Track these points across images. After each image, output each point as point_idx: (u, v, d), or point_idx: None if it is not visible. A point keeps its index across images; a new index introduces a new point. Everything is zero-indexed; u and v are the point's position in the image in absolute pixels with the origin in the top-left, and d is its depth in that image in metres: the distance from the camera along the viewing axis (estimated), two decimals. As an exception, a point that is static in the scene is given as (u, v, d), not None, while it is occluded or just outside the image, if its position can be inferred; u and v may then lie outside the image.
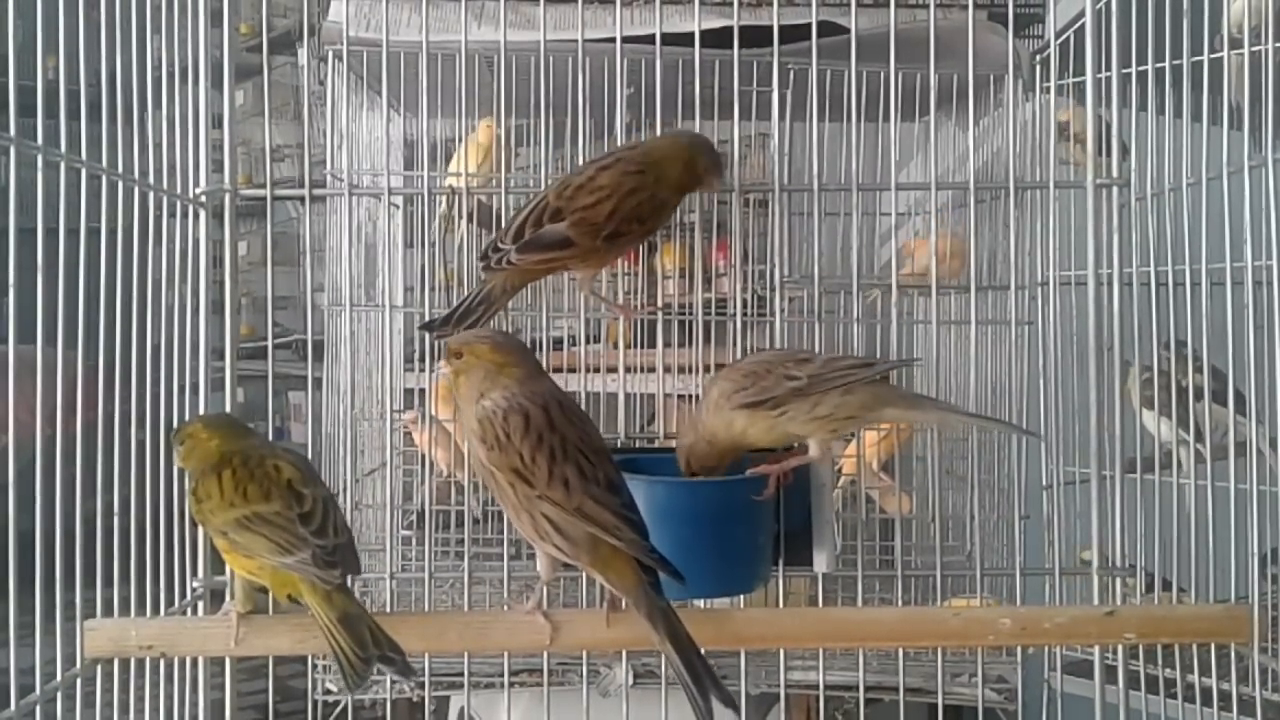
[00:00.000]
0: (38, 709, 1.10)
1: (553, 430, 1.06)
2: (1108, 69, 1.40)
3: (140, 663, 1.23)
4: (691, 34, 1.41)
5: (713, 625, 1.19)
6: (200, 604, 1.35)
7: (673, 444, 1.30)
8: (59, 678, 1.13)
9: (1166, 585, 1.56)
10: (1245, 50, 1.49)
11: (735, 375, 1.23)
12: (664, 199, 1.28)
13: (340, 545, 1.07)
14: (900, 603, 1.51)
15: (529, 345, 2.05)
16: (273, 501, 1.08)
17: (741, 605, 1.35)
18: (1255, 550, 1.32)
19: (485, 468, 1.08)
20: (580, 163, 1.43)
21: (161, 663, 1.28)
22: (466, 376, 1.10)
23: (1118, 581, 1.40)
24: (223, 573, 1.31)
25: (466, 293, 1.32)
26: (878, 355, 1.66)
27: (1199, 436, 1.66)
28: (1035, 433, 1.55)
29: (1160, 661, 1.56)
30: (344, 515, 1.13)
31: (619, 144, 1.62)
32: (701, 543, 1.18)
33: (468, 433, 1.11)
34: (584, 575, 1.36)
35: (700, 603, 1.31)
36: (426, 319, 1.35)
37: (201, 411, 1.37)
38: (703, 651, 1.03)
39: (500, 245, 1.26)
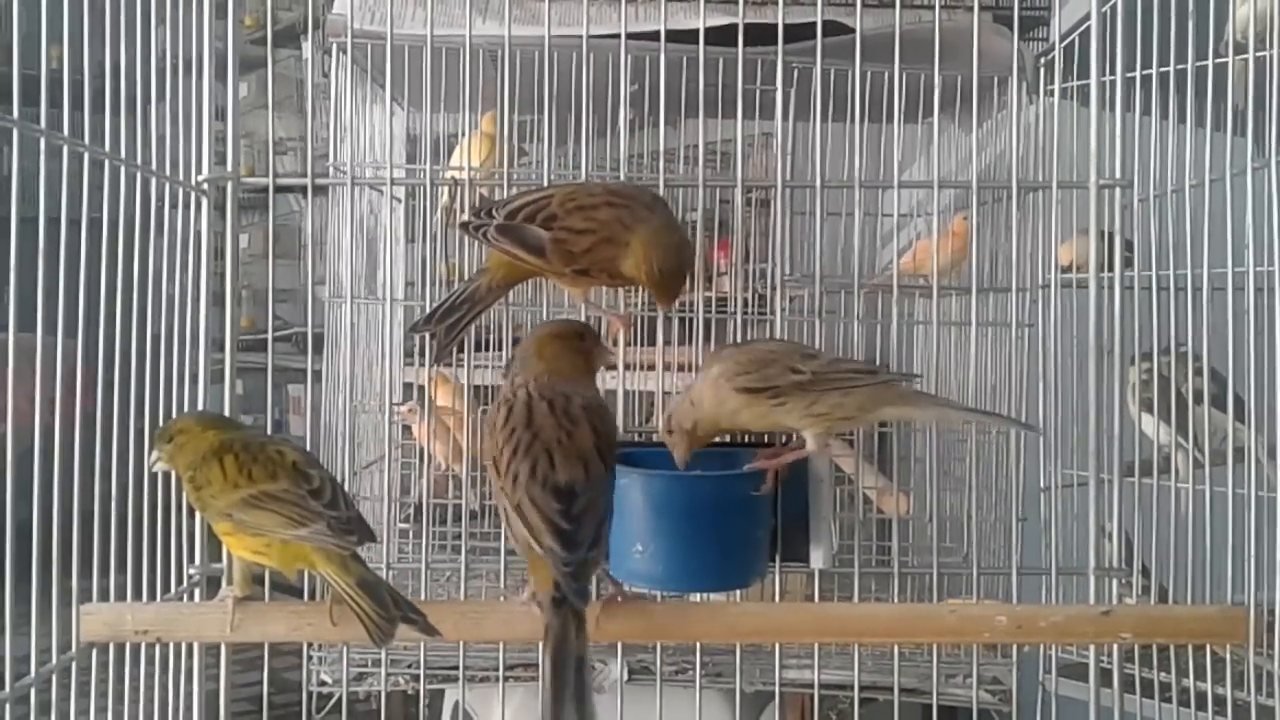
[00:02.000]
0: (32, 692, 1.10)
1: (528, 426, 1.07)
2: (1112, 72, 1.40)
3: (135, 653, 1.23)
4: (696, 31, 1.41)
5: (708, 618, 1.19)
6: (197, 590, 1.35)
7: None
8: (54, 661, 1.13)
9: (1163, 597, 1.56)
10: (1250, 55, 1.49)
11: (741, 358, 1.23)
12: (621, 271, 1.24)
13: (352, 517, 1.09)
14: (896, 601, 1.51)
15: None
16: (280, 480, 1.09)
17: (738, 599, 1.35)
18: (1252, 555, 1.32)
19: (485, 455, 1.12)
20: (583, 160, 1.43)
21: (157, 653, 1.28)
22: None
23: (1114, 583, 1.40)
24: (219, 560, 1.32)
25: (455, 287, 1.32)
26: (878, 356, 1.66)
27: (1197, 442, 1.66)
28: (1034, 427, 1.55)
29: (1155, 665, 1.56)
30: (350, 496, 1.15)
31: (622, 149, 1.62)
32: (699, 537, 1.18)
33: None
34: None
35: (696, 596, 1.31)
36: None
37: (200, 403, 1.37)
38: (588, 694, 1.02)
39: (492, 214, 1.24)
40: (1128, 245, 1.40)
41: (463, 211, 1.80)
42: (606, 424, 1.12)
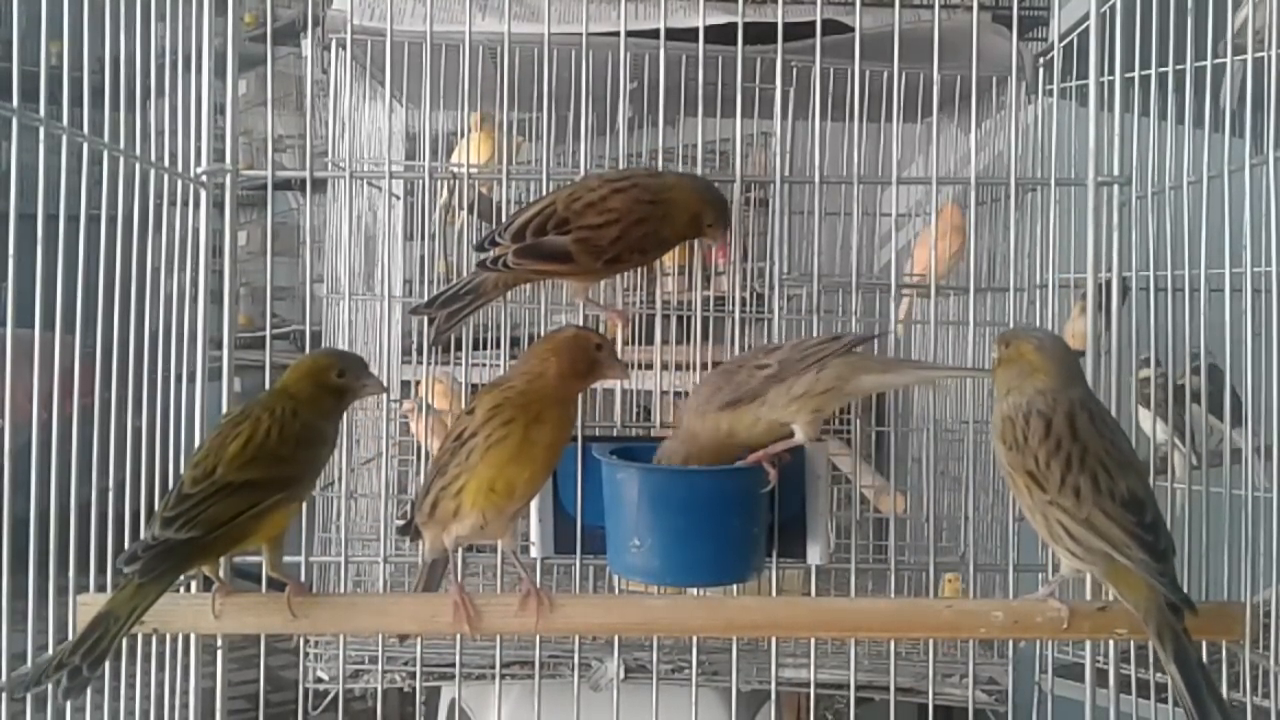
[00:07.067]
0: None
1: (1074, 439, 1.07)
2: (1111, 72, 1.40)
3: (131, 650, 1.23)
4: (695, 29, 1.41)
5: (705, 611, 1.19)
6: (193, 583, 1.35)
7: (669, 433, 1.30)
8: (50, 653, 1.13)
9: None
10: (1249, 56, 1.49)
11: (711, 380, 1.24)
12: (666, 237, 1.26)
13: (168, 543, 1.03)
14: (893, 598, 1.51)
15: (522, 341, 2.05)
16: (191, 472, 1.07)
17: (736, 594, 1.35)
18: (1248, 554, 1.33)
19: (1004, 468, 1.11)
20: (581, 158, 1.43)
21: (153, 649, 1.28)
22: (1004, 369, 1.14)
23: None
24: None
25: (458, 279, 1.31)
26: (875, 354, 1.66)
27: (1193, 442, 1.66)
28: None
29: (1151, 665, 1.56)
30: (250, 509, 1.07)
31: (621, 147, 1.63)
32: (697, 531, 1.18)
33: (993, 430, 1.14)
34: (578, 565, 1.37)
35: (693, 590, 1.31)
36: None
37: (198, 401, 1.37)
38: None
39: (498, 240, 1.23)
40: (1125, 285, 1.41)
41: (461, 209, 1.80)
42: None
